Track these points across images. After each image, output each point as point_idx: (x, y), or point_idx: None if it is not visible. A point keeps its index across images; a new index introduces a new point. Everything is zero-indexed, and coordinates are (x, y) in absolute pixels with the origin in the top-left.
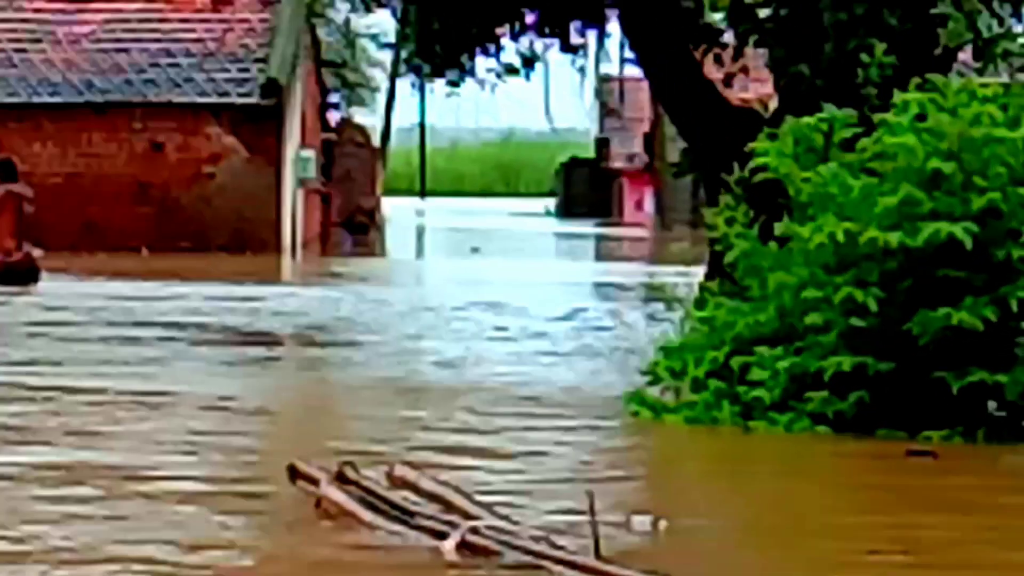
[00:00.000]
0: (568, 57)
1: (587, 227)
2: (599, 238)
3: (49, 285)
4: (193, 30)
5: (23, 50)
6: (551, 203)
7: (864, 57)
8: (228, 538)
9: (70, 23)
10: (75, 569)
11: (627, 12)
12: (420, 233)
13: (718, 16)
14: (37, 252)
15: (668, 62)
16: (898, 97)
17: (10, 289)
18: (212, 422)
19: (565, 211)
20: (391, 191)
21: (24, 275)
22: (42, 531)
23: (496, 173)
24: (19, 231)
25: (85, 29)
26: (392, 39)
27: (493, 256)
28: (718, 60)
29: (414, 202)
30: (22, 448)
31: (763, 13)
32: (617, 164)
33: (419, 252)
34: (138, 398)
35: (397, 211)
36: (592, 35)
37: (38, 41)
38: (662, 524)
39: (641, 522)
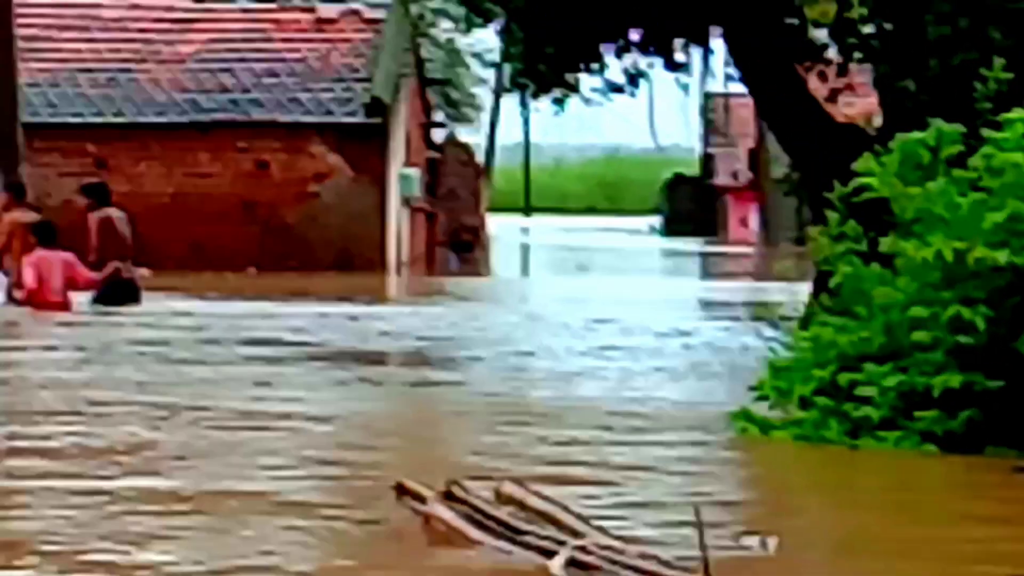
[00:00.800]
0: (672, 74)
1: (692, 245)
2: (704, 255)
3: (155, 304)
4: (297, 50)
5: (128, 70)
6: (656, 221)
7: (983, 71)
8: (335, 557)
9: (175, 43)
10: None
11: (731, 30)
12: (525, 251)
13: (822, 33)
14: (144, 271)
15: (772, 79)
16: (1007, 114)
17: (114, 309)
18: (318, 441)
19: (670, 229)
20: (495, 209)
21: (126, 295)
22: (155, 550)
23: (600, 191)
24: (118, 253)
25: (190, 49)
26: (496, 57)
27: (599, 274)
28: (822, 76)
29: (518, 220)
30: (133, 468)
31: (867, 29)
32: (722, 181)
33: (524, 270)
34: (244, 418)
35: (502, 229)
36: (696, 53)
37: (143, 61)
38: (772, 541)
39: (751, 539)
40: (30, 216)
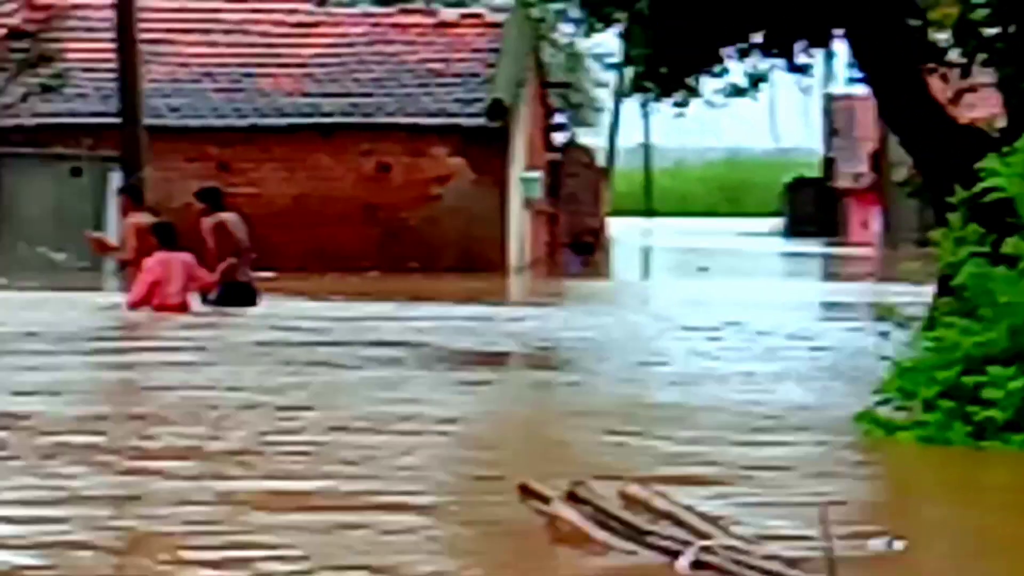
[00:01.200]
0: (794, 77)
1: (814, 247)
2: (826, 257)
3: (277, 306)
4: (418, 52)
5: (251, 74)
6: (777, 223)
7: None
8: (459, 558)
9: (296, 46)
10: None
11: (853, 32)
12: (646, 253)
13: (944, 35)
14: (267, 274)
15: (894, 81)
16: None
17: (232, 310)
18: (442, 443)
19: (791, 231)
20: (616, 211)
21: (243, 298)
22: (278, 551)
23: (721, 193)
24: (236, 256)
25: (311, 52)
26: (617, 59)
27: (720, 276)
28: (944, 79)
29: (639, 222)
30: (257, 471)
31: (990, 31)
32: (843, 183)
33: (645, 273)
34: (367, 421)
35: (622, 231)
36: (818, 55)
37: (265, 64)
38: (898, 544)
39: (877, 540)
40: (148, 219)
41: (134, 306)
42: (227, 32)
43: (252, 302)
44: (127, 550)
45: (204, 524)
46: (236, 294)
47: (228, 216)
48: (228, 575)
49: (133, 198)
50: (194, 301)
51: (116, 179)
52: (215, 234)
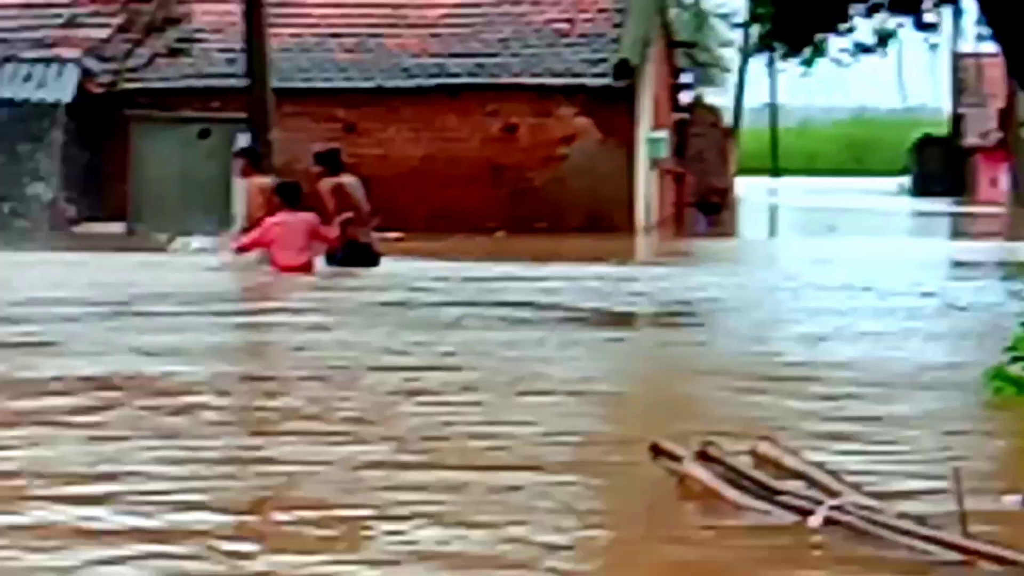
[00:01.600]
0: (922, 34)
1: (941, 205)
2: (954, 216)
3: (403, 266)
4: (544, 12)
5: (378, 35)
6: (904, 181)
7: None
8: (592, 517)
9: (422, 7)
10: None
11: None
12: (773, 212)
13: None
14: (394, 235)
15: (1023, 39)
16: None
17: (353, 271)
18: (571, 403)
19: (918, 189)
20: (743, 171)
21: (365, 258)
22: (401, 514)
23: (848, 151)
24: (356, 222)
25: (437, 12)
26: (743, 18)
27: (848, 235)
28: None
29: (766, 181)
30: (381, 434)
31: None
32: (971, 141)
33: (772, 231)
34: (494, 381)
35: (749, 190)
36: (947, 12)
37: (392, 26)
38: None
39: (1011, 497)
40: (267, 180)
41: (241, 249)
42: None
43: (374, 263)
44: (252, 510)
45: (331, 486)
46: (358, 255)
47: (346, 178)
48: (356, 537)
49: (252, 161)
50: (319, 262)
51: (243, 141)
52: (334, 196)
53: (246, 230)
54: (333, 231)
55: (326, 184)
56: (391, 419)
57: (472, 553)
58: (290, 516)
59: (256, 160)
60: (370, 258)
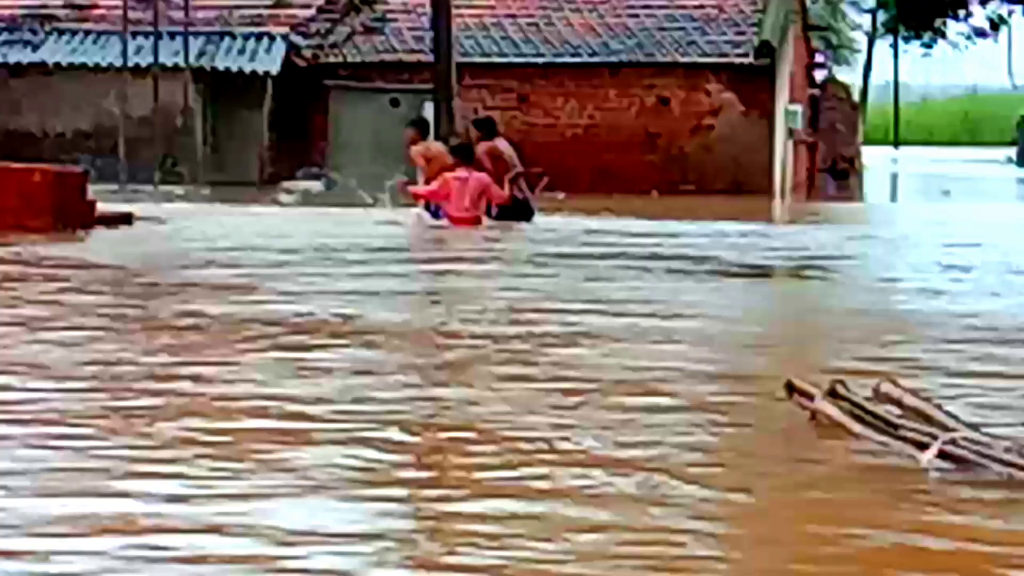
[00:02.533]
0: None
1: None
2: None
3: (566, 221)
4: (699, 0)
5: (548, 17)
6: (1012, 152)
7: None
8: (733, 446)
9: None
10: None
11: None
12: (894, 179)
13: None
14: (560, 194)
15: None
16: None
17: (514, 224)
18: (709, 341)
19: None
20: (868, 141)
21: (521, 213)
22: (569, 434)
23: (962, 125)
24: (505, 179)
25: None
26: (871, 4)
27: (961, 199)
28: None
29: (888, 151)
30: (535, 367)
31: None
32: None
33: (893, 196)
34: (644, 326)
35: (874, 159)
36: None
37: (561, 9)
38: None
39: None
40: (433, 147)
41: (416, 197)
42: None
43: (528, 217)
44: (425, 451)
45: (491, 421)
46: (515, 210)
47: (500, 142)
48: (506, 474)
49: (421, 131)
50: (485, 217)
51: (429, 110)
52: (489, 157)
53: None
54: (503, 191)
55: (482, 147)
56: (543, 357)
57: (637, 461)
58: (452, 454)
59: (425, 130)
60: (526, 212)
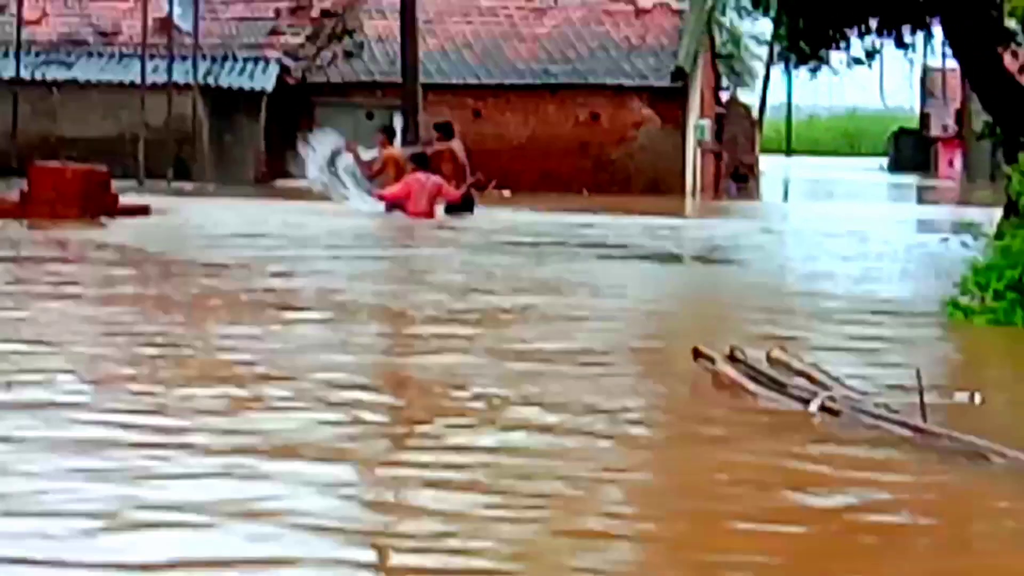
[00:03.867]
0: (900, 51)
1: (911, 179)
2: (920, 188)
3: (512, 215)
4: (622, 31)
5: (499, 46)
6: (884, 161)
7: None
8: (648, 398)
9: (532, 26)
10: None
11: (947, 19)
12: (786, 183)
13: (1014, 23)
14: (507, 192)
15: (977, 56)
16: None
17: (457, 217)
18: (629, 315)
19: (895, 167)
20: (765, 151)
21: (465, 207)
22: (522, 390)
23: (843, 139)
24: (457, 175)
25: (544, 30)
26: (768, 37)
27: (842, 200)
28: (1015, 55)
29: (782, 159)
30: (487, 328)
31: None
32: (935, 132)
33: (786, 197)
34: (574, 297)
35: (769, 166)
36: (920, 36)
37: (509, 39)
38: (978, 398)
39: (961, 394)
40: (403, 151)
41: (383, 198)
42: (482, 15)
43: (471, 210)
44: (395, 390)
45: (462, 373)
46: (461, 205)
47: (455, 143)
48: (483, 414)
49: (388, 137)
50: (439, 211)
51: (398, 122)
52: (443, 157)
53: (370, 180)
54: (455, 191)
55: (440, 146)
56: (493, 320)
57: (568, 404)
58: (428, 398)
59: (391, 136)
60: (469, 206)
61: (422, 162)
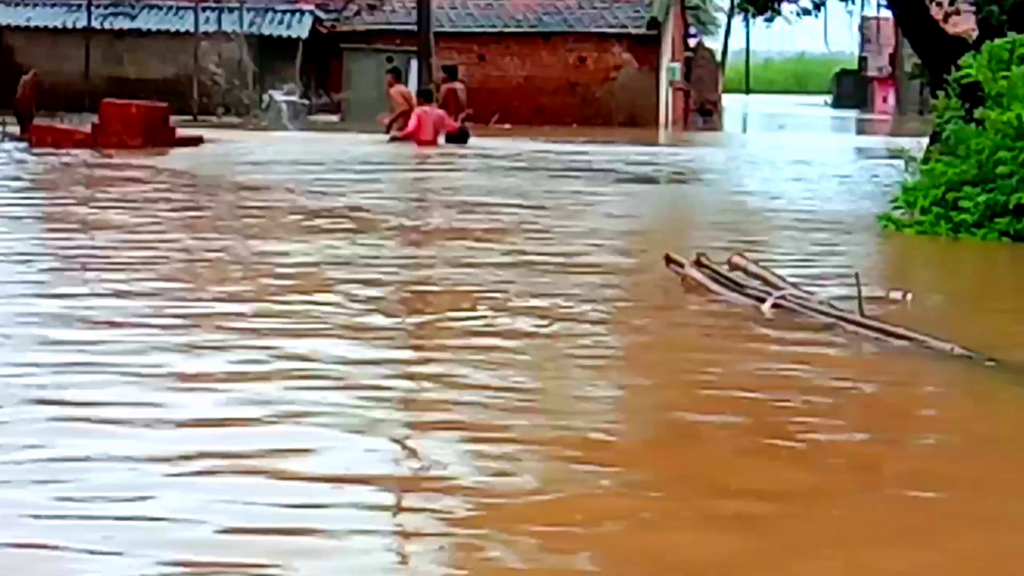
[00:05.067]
0: (842, 3)
1: (851, 114)
2: (859, 121)
3: (509, 143)
4: None
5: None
6: (828, 99)
7: None
8: (625, 300)
9: None
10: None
11: None
12: (744, 117)
13: None
14: (506, 125)
15: (908, 7)
16: None
17: (457, 146)
18: (612, 227)
19: (837, 104)
20: (727, 90)
21: (462, 138)
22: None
23: (793, 79)
24: (458, 111)
25: None
26: None
27: (792, 131)
28: (939, 5)
29: (741, 97)
30: (489, 243)
31: None
32: (872, 73)
33: (744, 128)
34: (560, 211)
35: (730, 103)
36: None
37: None
38: (909, 296)
39: (895, 292)
40: (403, 88)
41: (404, 136)
42: None
43: (466, 140)
44: (411, 304)
45: (454, 281)
46: (458, 136)
47: (457, 85)
48: (458, 315)
49: (396, 76)
50: (441, 139)
51: (414, 66)
52: (451, 94)
53: (388, 127)
54: (454, 123)
55: (444, 87)
56: (498, 235)
57: (553, 308)
58: (431, 304)
59: (398, 76)
60: (464, 137)
61: (428, 97)
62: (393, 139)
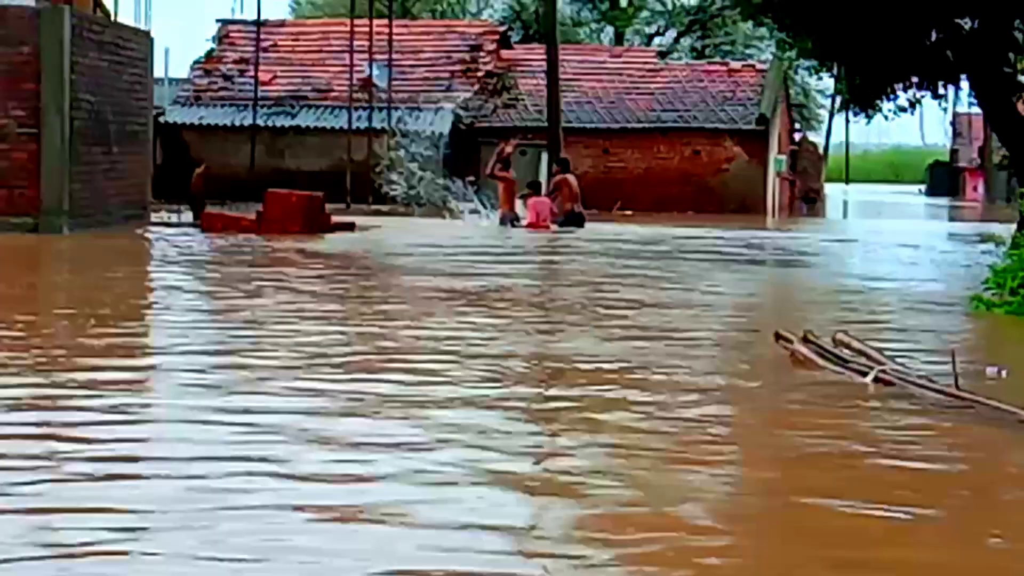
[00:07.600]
0: (936, 101)
1: (943, 202)
2: (951, 208)
3: (630, 228)
4: (718, 86)
5: (622, 97)
6: (922, 187)
7: None
8: (739, 375)
9: (649, 83)
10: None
11: (973, 76)
12: (845, 204)
13: None
14: (628, 212)
15: (997, 104)
16: None
17: (573, 229)
18: (730, 307)
19: (930, 192)
20: (829, 180)
21: (577, 223)
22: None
23: (890, 169)
24: (572, 199)
25: (657, 85)
26: (831, 91)
27: (889, 217)
28: None
29: (841, 186)
30: (594, 319)
31: None
32: (962, 164)
33: (844, 214)
34: (673, 296)
35: (832, 191)
36: (952, 88)
37: (630, 92)
38: (1004, 372)
39: (991, 368)
40: (510, 175)
41: (528, 226)
42: (609, 74)
43: (582, 225)
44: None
45: (583, 354)
46: (574, 220)
47: (570, 177)
48: (593, 379)
49: (504, 165)
50: (552, 226)
51: (544, 158)
52: (561, 185)
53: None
54: (555, 210)
55: (557, 178)
56: (599, 310)
57: (670, 374)
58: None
59: (507, 166)
60: (580, 222)
61: (536, 188)
62: (512, 224)
